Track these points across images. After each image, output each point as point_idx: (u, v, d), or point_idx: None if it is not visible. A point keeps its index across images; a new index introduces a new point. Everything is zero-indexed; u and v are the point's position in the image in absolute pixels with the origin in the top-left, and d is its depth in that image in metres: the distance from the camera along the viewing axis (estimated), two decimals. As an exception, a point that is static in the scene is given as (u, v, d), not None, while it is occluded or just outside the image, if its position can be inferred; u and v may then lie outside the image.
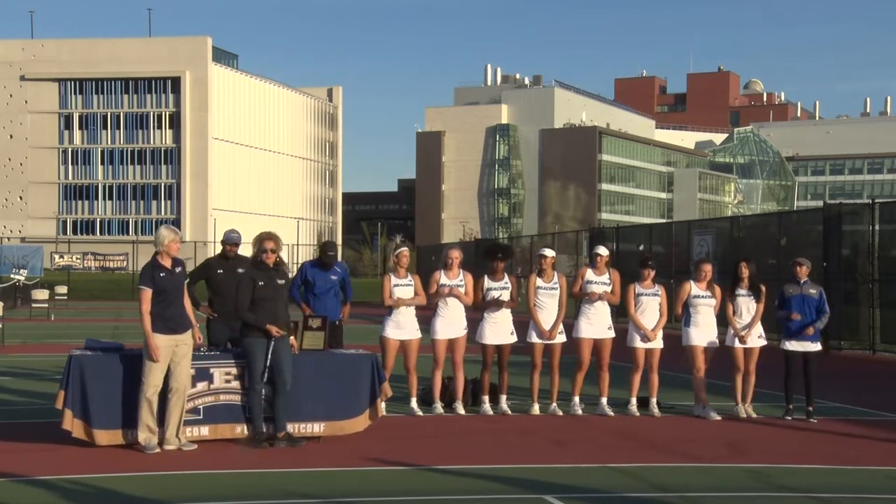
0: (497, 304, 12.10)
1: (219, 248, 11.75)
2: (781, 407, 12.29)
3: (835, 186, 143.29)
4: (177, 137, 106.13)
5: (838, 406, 13.28)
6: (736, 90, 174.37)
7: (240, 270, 10.77)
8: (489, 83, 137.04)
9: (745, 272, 12.38)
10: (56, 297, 38.27)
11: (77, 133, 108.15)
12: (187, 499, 7.80)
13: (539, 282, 12.21)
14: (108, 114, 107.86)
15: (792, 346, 12.24)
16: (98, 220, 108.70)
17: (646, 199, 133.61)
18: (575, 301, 13.13)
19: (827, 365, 15.23)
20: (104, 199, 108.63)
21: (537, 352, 12.22)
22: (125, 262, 77.02)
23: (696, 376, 12.26)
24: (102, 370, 9.68)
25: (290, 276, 11.24)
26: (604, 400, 12.33)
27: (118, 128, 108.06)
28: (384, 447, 9.93)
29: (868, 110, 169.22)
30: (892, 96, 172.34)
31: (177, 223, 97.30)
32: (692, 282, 12.44)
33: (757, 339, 12.40)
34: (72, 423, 9.50)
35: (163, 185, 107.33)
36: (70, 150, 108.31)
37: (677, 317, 12.70)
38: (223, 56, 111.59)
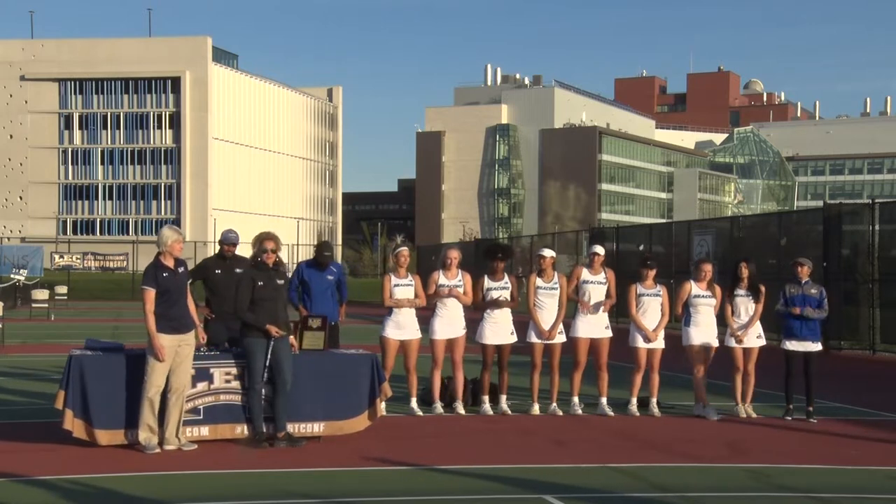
0: (497, 304, 12.10)
1: (219, 248, 11.74)
2: (781, 407, 12.30)
3: (835, 186, 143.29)
4: (177, 137, 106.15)
5: (838, 406, 13.28)
6: (736, 90, 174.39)
7: (237, 270, 10.77)
8: (489, 83, 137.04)
9: (745, 272, 12.38)
10: (56, 297, 38.25)
11: (77, 133, 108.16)
12: (187, 499, 7.80)
13: (539, 282, 12.21)
14: (108, 114, 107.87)
15: (792, 345, 12.23)
16: (98, 220, 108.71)
17: (646, 199, 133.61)
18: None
19: (827, 365, 15.22)
20: (104, 199, 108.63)
21: (537, 352, 12.22)
22: (125, 262, 77.02)
23: (696, 376, 12.26)
24: (102, 370, 9.68)
25: (290, 276, 11.25)
26: (603, 400, 12.33)
27: (118, 128, 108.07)
28: (384, 447, 9.93)
29: (868, 110, 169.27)
30: (892, 96, 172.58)
31: (177, 223, 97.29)
32: (692, 282, 12.44)
33: (756, 339, 12.40)
34: (72, 423, 9.50)
35: (163, 185, 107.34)
36: (70, 150, 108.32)
37: (677, 317, 12.70)
38: (223, 56, 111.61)
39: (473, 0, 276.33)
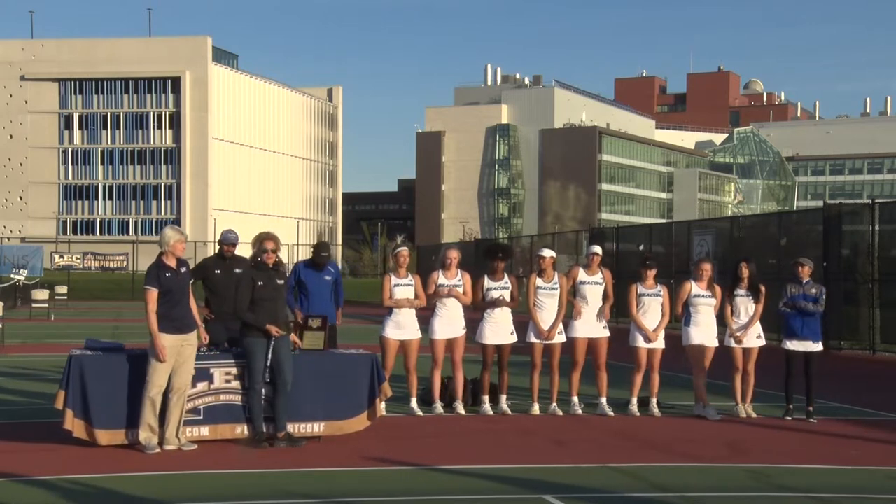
0: (497, 304, 12.09)
1: (219, 249, 11.73)
2: (781, 407, 12.29)
3: (835, 186, 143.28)
4: (177, 137, 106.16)
5: (838, 406, 13.28)
6: (736, 90, 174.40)
7: (237, 271, 10.77)
8: (489, 83, 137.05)
9: (745, 272, 12.38)
10: (56, 297, 38.25)
11: (77, 133, 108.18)
12: (187, 499, 7.80)
13: (539, 282, 12.21)
14: (108, 114, 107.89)
15: (793, 345, 12.23)
16: (98, 220, 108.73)
17: (646, 199, 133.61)
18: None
19: (827, 365, 15.22)
20: (104, 199, 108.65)
21: (537, 352, 12.22)
22: (125, 262, 76.94)
23: (697, 376, 12.26)
24: (103, 370, 9.68)
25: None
26: (603, 400, 12.33)
27: (118, 128, 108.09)
28: (384, 447, 9.93)
29: (868, 110, 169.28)
30: (892, 96, 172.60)
31: (177, 223, 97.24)
32: (692, 281, 12.44)
33: (755, 339, 12.40)
34: (73, 423, 9.50)
35: (163, 185, 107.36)
36: (70, 150, 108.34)
37: (677, 317, 12.70)
38: (223, 56, 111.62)
39: (473, 0, 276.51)
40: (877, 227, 20.48)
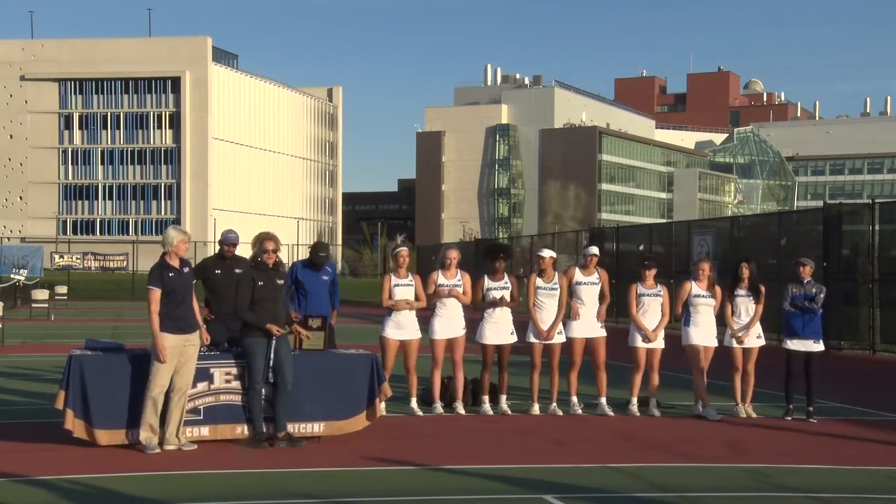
0: (497, 304, 12.09)
1: (219, 249, 11.72)
2: (781, 407, 12.29)
3: (835, 186, 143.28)
4: (177, 137, 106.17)
5: (838, 406, 13.28)
6: (736, 90, 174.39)
7: (237, 271, 10.76)
8: (489, 83, 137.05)
9: (746, 272, 12.38)
10: (56, 297, 38.25)
11: (77, 133, 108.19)
12: (187, 499, 7.80)
13: (539, 282, 12.21)
14: (108, 114, 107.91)
15: (794, 345, 12.22)
16: (98, 220, 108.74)
17: (646, 199, 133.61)
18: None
19: (827, 365, 15.22)
20: (104, 199, 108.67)
21: (537, 352, 12.22)
22: (125, 262, 76.95)
23: (696, 376, 12.26)
24: (103, 370, 9.68)
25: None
26: (603, 400, 12.33)
27: (118, 128, 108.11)
28: (384, 447, 9.93)
29: (868, 110, 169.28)
30: (892, 96, 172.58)
31: (177, 223, 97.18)
32: (692, 281, 12.44)
33: (755, 339, 12.40)
34: (73, 423, 9.50)
35: (163, 185, 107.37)
36: (70, 150, 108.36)
37: (677, 316, 12.70)
38: (223, 56, 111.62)
39: (473, 0, 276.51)
40: (877, 227, 20.48)
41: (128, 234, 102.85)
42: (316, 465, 9.08)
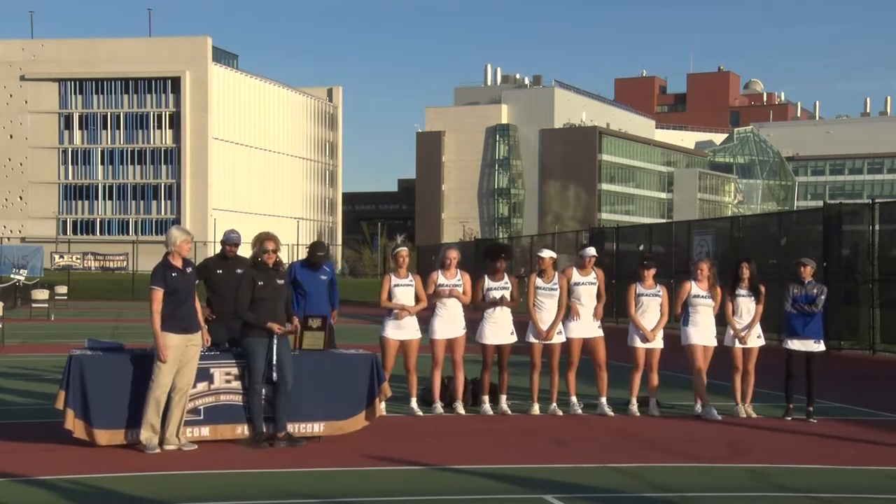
0: (497, 304, 12.09)
1: (219, 248, 11.73)
2: (781, 407, 12.29)
3: (835, 186, 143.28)
4: (177, 137, 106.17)
5: (838, 406, 13.28)
6: (736, 90, 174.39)
7: (239, 271, 10.76)
8: (489, 83, 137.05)
9: (746, 272, 12.38)
10: (56, 297, 38.25)
11: (77, 133, 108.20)
12: (187, 499, 7.80)
13: (539, 282, 12.21)
14: (108, 114, 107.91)
15: (795, 345, 12.21)
16: (98, 220, 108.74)
17: (646, 199, 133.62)
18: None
19: (827, 365, 15.21)
20: (104, 199, 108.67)
21: (537, 352, 12.22)
22: (125, 262, 77.01)
23: (696, 376, 12.26)
24: (103, 370, 9.68)
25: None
26: (603, 399, 12.33)
27: (118, 128, 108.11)
28: (384, 447, 9.93)
29: (868, 110, 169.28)
30: (892, 96, 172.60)
31: (177, 223, 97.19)
32: (692, 281, 12.44)
33: (756, 339, 12.40)
34: (73, 423, 9.50)
35: (163, 185, 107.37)
36: (70, 150, 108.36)
37: (677, 316, 12.70)
38: (223, 56, 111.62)
39: (473, 0, 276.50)
40: (877, 227, 20.48)
41: (128, 234, 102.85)
42: (316, 465, 9.08)
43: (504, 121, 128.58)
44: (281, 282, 10.11)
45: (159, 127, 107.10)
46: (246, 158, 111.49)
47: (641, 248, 29.14)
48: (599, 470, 9.09)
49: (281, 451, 9.71)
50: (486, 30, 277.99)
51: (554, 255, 12.43)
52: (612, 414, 12.14)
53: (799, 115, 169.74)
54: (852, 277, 21.27)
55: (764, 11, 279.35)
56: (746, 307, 12.36)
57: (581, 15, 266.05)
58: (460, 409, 12.10)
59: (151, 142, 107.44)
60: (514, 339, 12.22)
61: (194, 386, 9.83)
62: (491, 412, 12.07)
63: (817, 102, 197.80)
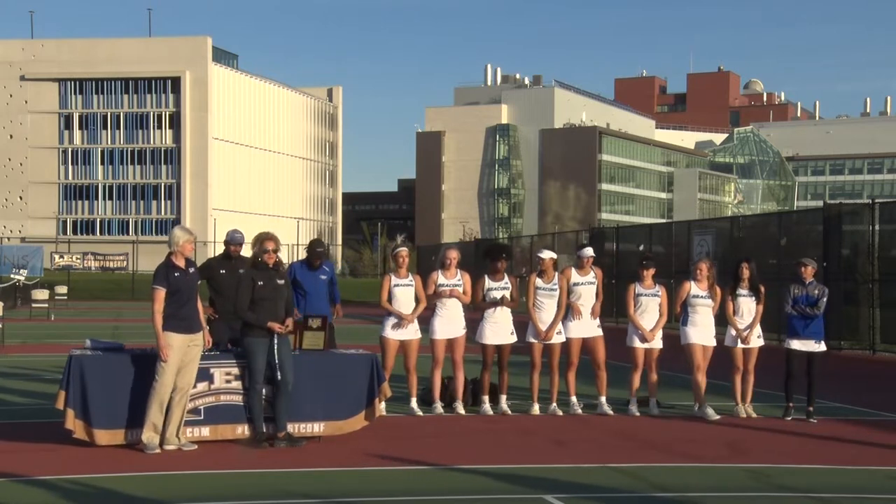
0: (497, 304, 12.10)
1: (219, 248, 11.73)
2: (781, 407, 12.29)
3: (835, 186, 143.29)
4: (177, 137, 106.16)
5: (838, 406, 13.28)
6: (736, 90, 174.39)
7: (241, 271, 10.77)
8: (489, 83, 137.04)
9: (746, 272, 12.38)
10: (56, 297, 38.26)
11: (77, 133, 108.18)
12: (187, 499, 7.80)
13: (538, 282, 12.22)
14: (108, 114, 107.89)
15: (795, 345, 12.21)
16: (98, 220, 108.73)
17: (646, 199, 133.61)
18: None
19: (827, 365, 15.21)
20: (104, 199, 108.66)
21: (536, 352, 12.23)
22: (125, 262, 77.06)
23: (695, 376, 12.26)
24: (102, 370, 9.69)
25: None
26: (602, 399, 12.34)
27: (118, 128, 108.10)
28: (384, 447, 9.93)
29: (868, 110, 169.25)
30: (892, 96, 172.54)
31: (177, 223, 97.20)
32: (692, 282, 12.44)
33: (756, 339, 12.41)
34: (74, 423, 9.51)
35: (163, 185, 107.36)
36: (70, 150, 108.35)
37: (676, 316, 12.71)
38: (223, 56, 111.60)
39: (473, 0, 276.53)
40: (877, 227, 20.46)
41: (128, 234, 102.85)
42: (316, 465, 9.08)
43: (504, 121, 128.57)
44: (281, 282, 10.11)
45: (159, 127, 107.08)
46: (246, 158, 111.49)
47: (641, 248, 29.13)
48: (599, 470, 9.09)
49: (281, 451, 9.71)
50: (486, 30, 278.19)
51: (554, 255, 12.43)
52: (611, 413, 12.14)
53: (799, 115, 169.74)
54: (852, 277, 21.26)
55: (764, 11, 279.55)
56: (747, 307, 12.36)
57: (581, 15, 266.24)
58: (460, 409, 12.10)
59: (151, 142, 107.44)
60: (514, 339, 12.23)
61: (194, 386, 9.84)
62: (491, 412, 12.07)
63: (817, 102, 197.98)
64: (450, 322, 12.12)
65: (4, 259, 54.54)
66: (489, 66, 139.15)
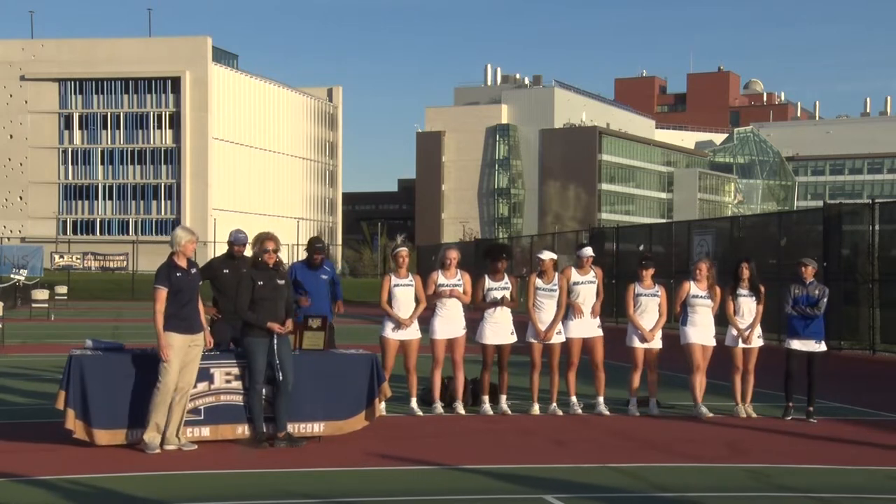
0: (498, 305, 12.10)
1: (219, 249, 11.73)
2: (781, 407, 12.29)
3: (835, 186, 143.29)
4: (177, 137, 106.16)
5: (838, 406, 13.28)
6: (736, 90, 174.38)
7: (244, 271, 10.78)
8: (489, 83, 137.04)
9: (746, 272, 12.38)
10: (56, 297, 38.27)
11: (77, 133, 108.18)
12: (187, 499, 7.80)
13: (538, 282, 12.22)
14: (108, 114, 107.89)
15: (796, 345, 12.21)
16: (98, 220, 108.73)
17: (646, 199, 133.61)
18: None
19: (827, 365, 15.21)
20: (104, 199, 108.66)
21: (536, 352, 12.23)
22: (125, 262, 77.07)
23: (693, 375, 12.26)
24: (102, 370, 9.69)
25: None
26: (601, 399, 12.34)
27: (118, 128, 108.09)
28: (384, 447, 9.93)
29: (868, 110, 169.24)
30: (892, 96, 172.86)
31: (177, 223, 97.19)
32: (691, 282, 12.45)
33: (756, 338, 12.41)
34: (74, 423, 9.51)
35: (163, 185, 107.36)
36: (70, 150, 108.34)
37: (676, 316, 12.71)
38: (223, 56, 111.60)
39: (473, 0, 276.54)
40: (877, 227, 20.46)
41: (128, 234, 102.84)
42: (316, 465, 9.08)
43: (504, 121, 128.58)
44: (281, 282, 10.12)
45: (159, 127, 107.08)
46: (246, 158, 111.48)
47: (641, 248, 29.13)
48: (599, 470, 9.09)
49: (281, 451, 9.71)
50: (486, 30, 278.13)
51: (554, 256, 12.43)
52: (608, 413, 12.15)
53: (799, 115, 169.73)
54: (852, 277, 21.25)
55: (764, 11, 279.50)
56: (748, 307, 12.36)
57: (581, 15, 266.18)
58: (460, 409, 12.10)
59: (151, 142, 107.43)
60: (514, 339, 12.23)
61: (195, 386, 9.84)
62: (491, 412, 12.07)
63: (817, 102, 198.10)
64: (450, 322, 12.12)
65: (4, 259, 54.54)
66: (489, 66, 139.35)
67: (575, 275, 12.41)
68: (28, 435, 10.30)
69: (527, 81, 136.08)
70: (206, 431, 9.93)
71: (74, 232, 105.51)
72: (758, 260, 14.69)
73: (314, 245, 12.12)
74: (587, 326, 12.36)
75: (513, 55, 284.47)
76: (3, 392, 13.65)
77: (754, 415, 12.22)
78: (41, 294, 35.78)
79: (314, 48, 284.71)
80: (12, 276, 43.94)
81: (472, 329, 12.24)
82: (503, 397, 12.21)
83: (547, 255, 12.32)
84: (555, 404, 12.24)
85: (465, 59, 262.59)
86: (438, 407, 12.13)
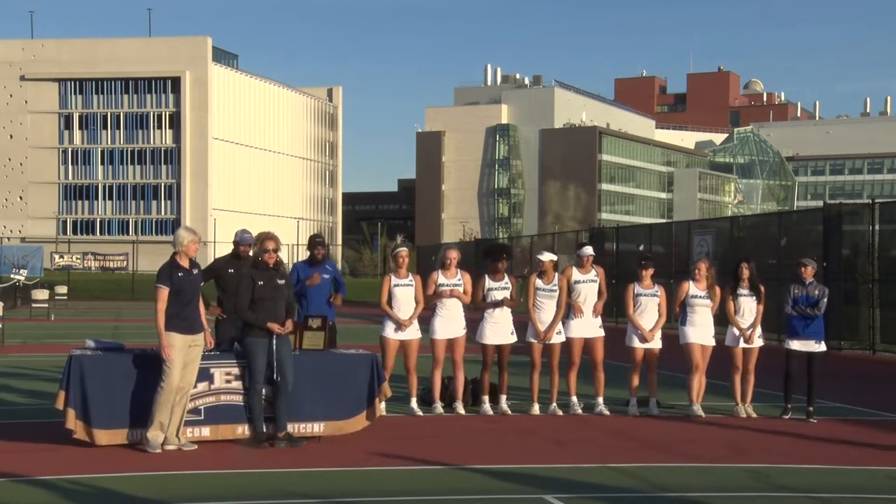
0: (497, 304, 12.10)
1: (219, 249, 11.74)
2: (781, 407, 12.29)
3: (835, 186, 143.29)
4: (177, 137, 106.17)
5: (838, 406, 13.28)
6: (736, 90, 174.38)
7: (244, 271, 10.78)
8: (489, 83, 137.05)
9: (746, 272, 12.38)
10: (56, 297, 38.26)
11: (77, 133, 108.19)
12: (187, 499, 7.80)
13: (538, 283, 12.22)
14: (108, 114, 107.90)
15: (795, 345, 12.21)
16: (98, 220, 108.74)
17: (646, 199, 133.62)
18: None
19: (827, 365, 15.22)
20: (104, 199, 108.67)
21: (536, 352, 12.23)
22: (125, 262, 77.02)
23: (692, 375, 12.26)
24: (102, 370, 9.69)
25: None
26: (600, 399, 12.34)
27: (118, 128, 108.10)
28: (384, 447, 9.93)
29: (868, 110, 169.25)
30: (892, 96, 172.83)
31: (177, 223, 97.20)
32: (690, 281, 12.45)
33: (756, 338, 12.41)
34: (74, 423, 9.51)
35: (163, 185, 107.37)
36: (70, 150, 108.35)
37: (676, 316, 12.71)
38: (223, 56, 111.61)
39: (473, 0, 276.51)
40: (877, 227, 20.46)
41: (128, 234, 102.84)
42: (316, 465, 9.08)
43: (504, 121, 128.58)
44: (281, 282, 10.11)
45: (159, 127, 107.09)
46: (246, 158, 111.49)
47: (641, 248, 29.13)
48: (599, 470, 9.09)
49: (281, 451, 9.71)
50: (486, 30, 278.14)
51: (554, 257, 12.43)
52: (608, 413, 12.15)
53: (799, 115, 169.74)
54: (852, 277, 21.25)
55: (764, 11, 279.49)
56: (748, 307, 12.36)
57: (581, 15, 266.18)
58: (460, 409, 12.10)
59: (151, 142, 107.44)
60: (514, 339, 12.23)
61: (195, 386, 9.84)
62: (491, 412, 12.07)
63: (817, 102, 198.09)
64: (450, 322, 12.12)
65: (4, 259, 54.53)
66: (489, 66, 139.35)
67: (576, 274, 12.41)
68: (28, 435, 10.30)
69: (527, 81, 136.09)
70: (206, 431, 9.93)
71: (74, 232, 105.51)
72: (758, 260, 14.69)
73: (314, 240, 12.12)
74: (588, 326, 12.36)
75: (513, 55, 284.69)
76: (3, 392, 13.66)
77: (754, 415, 12.22)
78: (41, 294, 35.77)
79: (314, 48, 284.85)
80: (12, 276, 43.94)
81: (473, 329, 12.24)
82: (503, 397, 12.21)
83: (547, 257, 12.32)
84: (555, 404, 12.24)
85: (465, 59, 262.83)
86: (438, 407, 12.13)
